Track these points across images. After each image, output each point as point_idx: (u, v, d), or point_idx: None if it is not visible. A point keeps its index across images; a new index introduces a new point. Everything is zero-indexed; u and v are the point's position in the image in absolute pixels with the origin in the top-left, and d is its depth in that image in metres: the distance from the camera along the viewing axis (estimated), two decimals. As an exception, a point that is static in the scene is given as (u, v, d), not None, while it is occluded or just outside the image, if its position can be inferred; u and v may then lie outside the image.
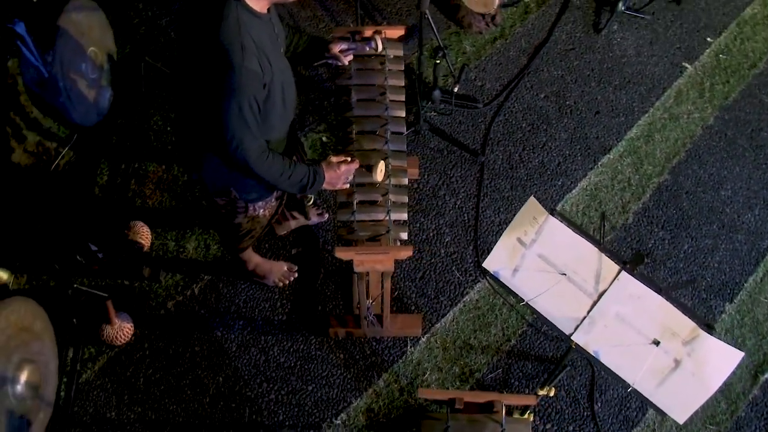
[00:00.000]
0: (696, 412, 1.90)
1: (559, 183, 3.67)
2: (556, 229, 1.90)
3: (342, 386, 3.19)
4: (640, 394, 1.89)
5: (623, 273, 1.88)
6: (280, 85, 2.32)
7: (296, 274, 3.42)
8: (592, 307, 1.88)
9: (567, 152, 3.75)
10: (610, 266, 1.89)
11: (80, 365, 3.20)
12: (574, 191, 3.65)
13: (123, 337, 3.25)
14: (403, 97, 2.78)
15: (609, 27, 4.11)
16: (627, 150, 3.77)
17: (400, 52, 2.87)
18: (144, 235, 3.45)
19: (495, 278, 1.99)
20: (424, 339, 3.29)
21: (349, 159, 2.55)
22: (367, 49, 2.77)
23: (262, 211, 2.79)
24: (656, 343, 1.85)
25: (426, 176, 3.68)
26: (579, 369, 3.21)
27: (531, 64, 4.01)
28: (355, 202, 2.56)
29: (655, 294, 1.84)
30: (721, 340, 1.80)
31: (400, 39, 2.90)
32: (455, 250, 3.49)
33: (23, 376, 2.63)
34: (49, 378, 2.85)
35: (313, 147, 3.77)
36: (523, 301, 1.94)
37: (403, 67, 2.85)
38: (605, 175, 3.70)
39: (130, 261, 3.37)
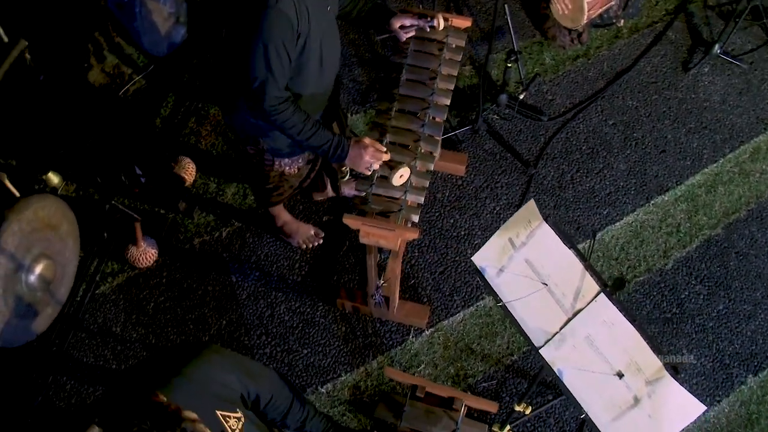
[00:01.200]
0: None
1: (605, 212, 3.56)
2: (547, 237, 1.85)
3: (336, 357, 3.22)
4: (594, 424, 1.83)
5: (602, 295, 1.81)
6: (318, 41, 2.36)
7: (321, 241, 3.46)
8: (565, 324, 1.82)
9: (621, 184, 3.64)
10: (591, 286, 1.83)
11: (100, 277, 3.36)
12: (617, 224, 3.54)
13: (145, 260, 3.38)
14: (452, 87, 2.77)
15: (699, 68, 3.95)
16: (685, 195, 3.62)
17: (462, 43, 2.87)
18: (189, 171, 3.58)
19: (480, 274, 1.96)
20: (427, 332, 3.28)
21: (384, 149, 2.54)
22: (428, 27, 2.77)
23: (288, 168, 2.84)
24: (620, 375, 1.78)
25: (472, 176, 3.64)
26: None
27: (608, 88, 3.90)
28: (375, 176, 2.57)
29: (629, 324, 1.77)
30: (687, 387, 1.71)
31: (466, 30, 2.90)
32: (481, 254, 3.45)
33: (38, 268, 2.78)
34: (65, 279, 3.00)
35: (370, 124, 3.80)
36: (501, 302, 1.90)
37: (460, 58, 2.84)
38: (655, 216, 3.56)
39: (170, 192, 3.50)
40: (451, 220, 3.53)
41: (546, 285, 1.83)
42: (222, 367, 1.69)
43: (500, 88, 3.72)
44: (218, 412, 1.61)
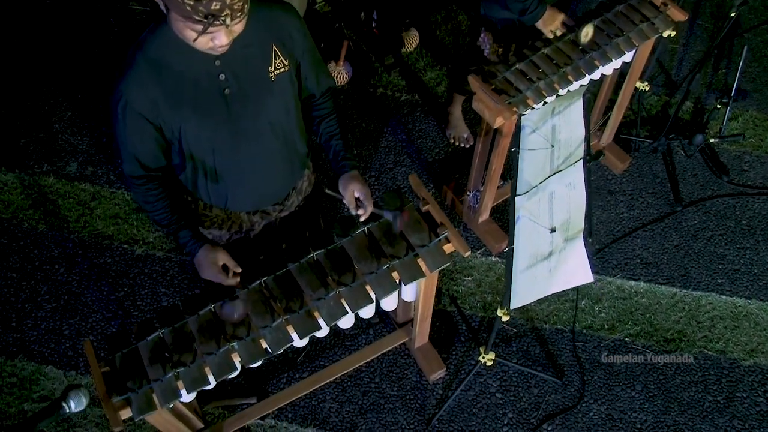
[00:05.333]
0: None
1: (719, 281, 3.45)
2: (576, 110, 2.02)
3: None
4: (511, 263, 1.97)
5: (580, 162, 1.94)
6: None
7: (468, 146, 3.81)
8: (545, 179, 1.99)
9: (755, 270, 3.49)
10: (579, 154, 1.97)
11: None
12: (723, 297, 3.41)
13: (337, 78, 3.99)
14: (627, 51, 2.94)
15: None
16: (811, 320, 3.38)
17: (664, 29, 3.02)
18: (412, 41, 4.13)
19: (518, 129, 2.18)
20: (493, 258, 3.48)
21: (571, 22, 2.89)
22: None
23: (485, 48, 3.21)
24: (552, 230, 1.91)
25: (623, 178, 3.73)
26: (567, 387, 3.15)
27: (809, 196, 3.72)
28: (518, 65, 2.86)
29: (584, 191, 1.88)
30: (588, 254, 1.80)
31: (676, 23, 3.04)
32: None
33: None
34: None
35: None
36: (516, 149, 2.12)
37: (653, 37, 3.00)
38: (766, 315, 3.38)
39: (386, 45, 4.07)
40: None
41: (552, 147, 2.02)
42: (299, 28, 2.09)
43: (701, 127, 3.74)
44: (274, 46, 2.05)
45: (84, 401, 1.72)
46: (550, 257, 1.89)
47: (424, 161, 3.78)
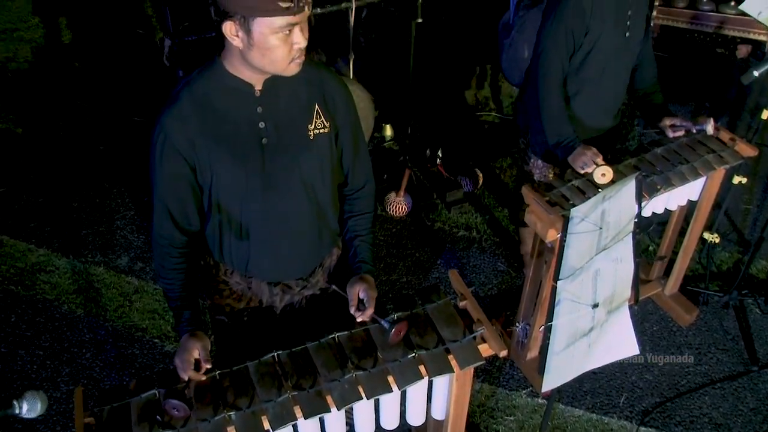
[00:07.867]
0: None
1: (802, 455, 3.01)
2: (628, 192, 1.87)
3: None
4: (547, 343, 1.73)
5: (629, 236, 1.74)
6: (605, 54, 2.74)
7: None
8: (589, 260, 1.80)
9: None
10: (628, 229, 1.77)
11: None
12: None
13: (395, 210, 3.99)
14: (692, 180, 2.84)
15: None
16: None
17: (732, 162, 2.91)
18: (476, 176, 4.14)
19: (566, 221, 2.04)
20: (540, 400, 3.18)
21: (600, 157, 2.77)
22: (694, 130, 2.93)
23: (538, 173, 3.14)
24: (595, 306, 1.67)
25: (690, 331, 3.44)
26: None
27: None
28: (574, 182, 2.77)
29: (632, 262, 1.66)
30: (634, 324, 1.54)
31: (743, 158, 2.94)
32: (642, 388, 3.22)
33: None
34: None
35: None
36: (562, 235, 1.96)
37: (719, 169, 2.90)
38: None
39: (449, 184, 4.08)
40: (641, 346, 3.36)
41: (600, 229, 1.87)
42: (344, 96, 2.07)
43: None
44: (317, 105, 2.03)
45: (39, 408, 1.55)
46: (589, 333, 1.67)
47: (475, 294, 3.60)
